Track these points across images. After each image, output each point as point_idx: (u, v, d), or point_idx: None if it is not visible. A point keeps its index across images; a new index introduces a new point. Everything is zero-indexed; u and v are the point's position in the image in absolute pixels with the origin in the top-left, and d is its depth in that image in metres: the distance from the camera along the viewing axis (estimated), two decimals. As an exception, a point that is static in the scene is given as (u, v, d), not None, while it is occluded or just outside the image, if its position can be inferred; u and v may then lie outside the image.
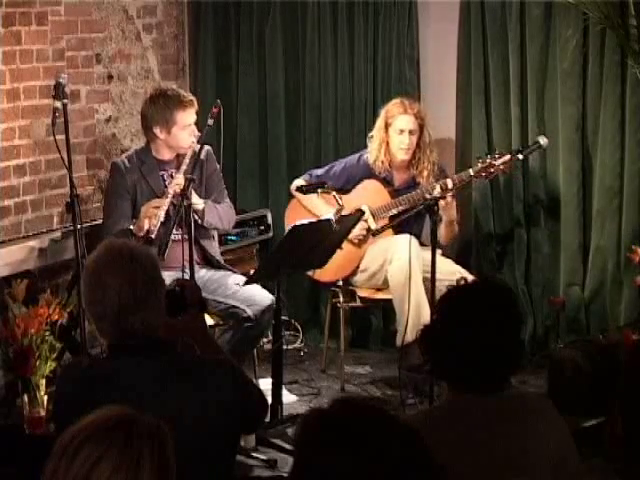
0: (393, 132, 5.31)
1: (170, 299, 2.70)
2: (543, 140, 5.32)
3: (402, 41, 5.89)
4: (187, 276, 4.48)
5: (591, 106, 5.56)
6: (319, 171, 5.50)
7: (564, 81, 5.57)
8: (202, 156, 4.86)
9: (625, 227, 5.52)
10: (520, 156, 5.25)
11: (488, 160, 5.16)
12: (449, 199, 4.98)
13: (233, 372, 2.69)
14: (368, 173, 5.42)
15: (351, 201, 5.32)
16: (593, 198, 5.62)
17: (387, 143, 5.33)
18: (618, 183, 5.53)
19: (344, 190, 5.40)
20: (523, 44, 5.66)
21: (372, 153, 5.37)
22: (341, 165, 5.49)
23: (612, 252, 5.56)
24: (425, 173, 5.34)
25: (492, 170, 5.16)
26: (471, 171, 5.19)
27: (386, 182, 5.42)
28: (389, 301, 5.27)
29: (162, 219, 4.69)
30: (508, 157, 5.19)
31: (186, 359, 2.69)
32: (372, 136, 5.40)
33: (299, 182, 5.42)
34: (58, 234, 5.15)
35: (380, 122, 5.35)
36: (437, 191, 5.06)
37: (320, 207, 5.27)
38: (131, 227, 4.72)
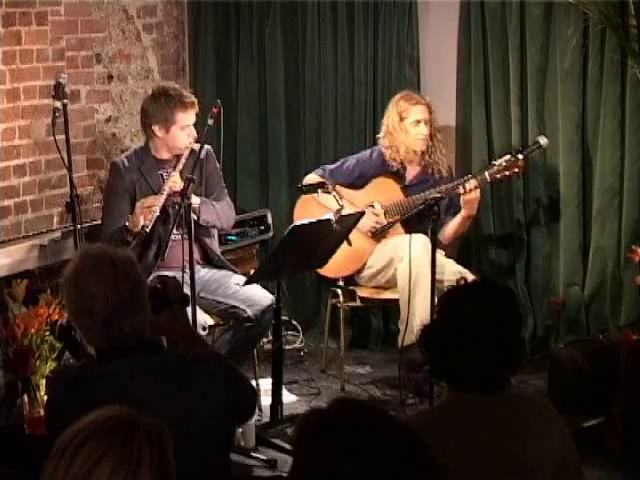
0: (409, 124, 5.33)
1: (153, 297, 2.70)
2: (543, 140, 5.33)
3: (402, 41, 5.89)
4: (187, 276, 4.48)
5: (591, 106, 5.56)
6: (332, 166, 5.51)
7: (564, 81, 5.56)
8: (202, 155, 4.85)
9: (625, 227, 5.52)
10: (520, 156, 5.25)
11: (504, 164, 5.16)
12: (473, 195, 5.03)
13: (222, 366, 2.70)
14: (381, 168, 5.44)
15: (363, 197, 5.34)
16: (593, 198, 5.62)
17: (405, 137, 5.34)
18: (618, 183, 5.53)
19: (356, 186, 5.42)
20: (523, 44, 5.65)
21: (390, 149, 5.38)
22: (354, 160, 5.50)
23: (612, 252, 5.56)
24: (444, 161, 5.39)
25: (507, 173, 5.17)
26: (487, 175, 5.19)
27: (398, 178, 5.43)
28: (390, 301, 5.27)
29: (157, 214, 4.69)
30: (508, 157, 5.19)
31: (176, 357, 2.70)
32: (386, 133, 5.39)
33: (311, 176, 5.43)
34: (58, 234, 5.15)
35: (394, 118, 5.35)
36: (460, 190, 5.10)
37: (330, 202, 5.26)
38: (126, 224, 4.73)
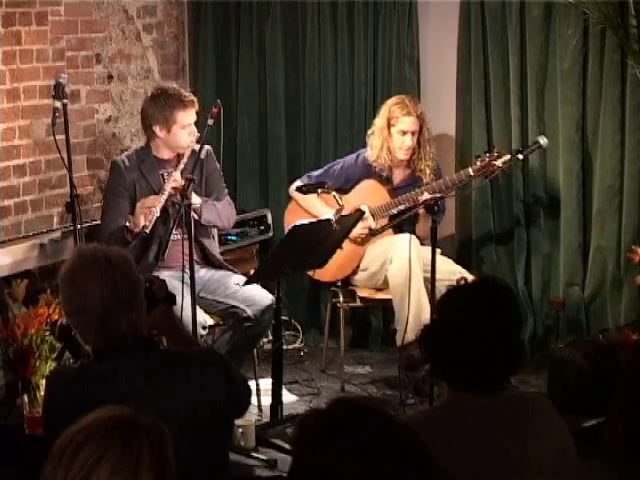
0: (395, 132, 5.32)
1: None
2: (543, 140, 5.32)
3: (402, 41, 5.89)
4: (187, 276, 4.48)
5: (591, 106, 5.56)
6: (317, 172, 5.51)
7: (564, 81, 5.57)
8: (202, 156, 4.85)
9: (625, 227, 5.52)
10: (520, 156, 5.25)
11: (487, 159, 5.17)
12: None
13: (220, 364, 2.71)
14: (367, 172, 5.43)
15: (350, 201, 5.32)
16: (593, 198, 5.62)
17: (389, 143, 5.34)
18: (618, 183, 5.53)
19: (343, 190, 5.41)
20: (523, 44, 5.66)
21: (373, 151, 5.37)
22: (339, 165, 5.49)
23: (612, 252, 5.56)
24: (427, 171, 5.36)
25: (492, 169, 5.16)
26: (470, 170, 5.20)
27: (385, 180, 5.43)
28: (389, 301, 5.27)
29: (158, 214, 4.69)
30: (508, 157, 5.19)
31: (174, 355, 2.70)
32: (372, 132, 5.40)
33: (298, 184, 5.43)
34: (58, 234, 5.15)
35: (382, 121, 5.35)
36: (435, 192, 5.07)
37: (319, 208, 5.28)
38: (127, 224, 4.73)
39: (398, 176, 5.46)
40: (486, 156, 5.19)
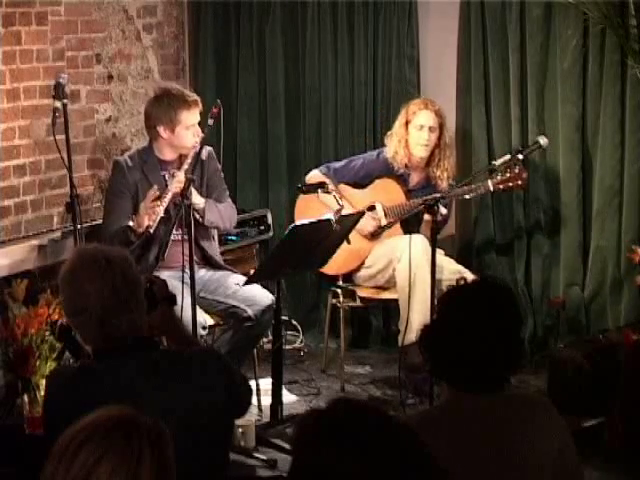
0: (413, 128, 5.34)
1: None
2: (543, 140, 5.32)
3: (402, 41, 5.89)
4: (187, 276, 4.48)
5: (591, 106, 5.56)
6: (337, 164, 5.53)
7: (564, 81, 5.57)
8: (203, 156, 4.86)
9: (625, 227, 5.52)
10: (520, 156, 5.25)
11: (508, 174, 5.14)
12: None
13: (221, 364, 2.71)
14: (386, 169, 5.44)
15: (366, 197, 5.36)
16: (593, 198, 5.62)
17: (406, 140, 5.35)
18: (618, 183, 5.53)
19: (360, 185, 5.43)
20: (523, 44, 5.66)
21: (391, 148, 5.39)
22: (359, 160, 5.51)
23: (612, 252, 5.56)
24: (445, 175, 5.36)
25: (510, 184, 5.16)
26: (490, 184, 5.17)
27: (402, 180, 5.43)
28: (389, 301, 5.27)
29: (162, 214, 4.69)
30: (508, 157, 5.19)
31: (174, 355, 2.70)
32: (391, 134, 5.41)
33: (315, 173, 5.46)
34: (58, 234, 5.15)
35: (400, 119, 5.38)
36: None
37: (330, 201, 5.27)
38: (130, 223, 4.73)
39: (414, 179, 5.47)
40: (507, 172, 5.15)
